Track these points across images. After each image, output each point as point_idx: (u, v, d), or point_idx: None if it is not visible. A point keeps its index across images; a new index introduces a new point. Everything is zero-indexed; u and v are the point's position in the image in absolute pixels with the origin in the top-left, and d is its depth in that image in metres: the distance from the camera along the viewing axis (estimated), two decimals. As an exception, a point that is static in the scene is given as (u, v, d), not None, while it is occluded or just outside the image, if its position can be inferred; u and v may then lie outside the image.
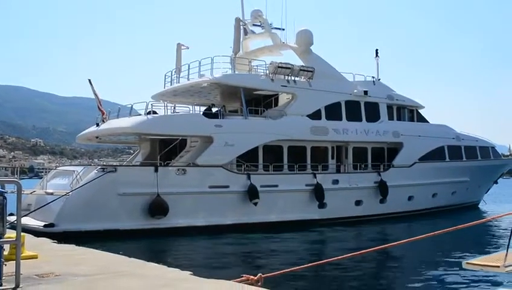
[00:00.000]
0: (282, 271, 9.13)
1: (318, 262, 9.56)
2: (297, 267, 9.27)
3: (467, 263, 6.80)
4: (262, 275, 8.58)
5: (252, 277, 8.57)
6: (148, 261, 13.02)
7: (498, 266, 6.47)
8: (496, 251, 8.11)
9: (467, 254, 17.70)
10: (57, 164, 49.83)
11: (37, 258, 10.77)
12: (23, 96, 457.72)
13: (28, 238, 14.37)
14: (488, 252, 9.18)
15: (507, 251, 6.78)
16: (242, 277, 8.69)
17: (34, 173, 27.24)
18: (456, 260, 16.53)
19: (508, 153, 45.21)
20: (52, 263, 10.27)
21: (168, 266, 10.58)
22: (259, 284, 8.48)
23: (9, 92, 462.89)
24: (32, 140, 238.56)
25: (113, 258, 11.31)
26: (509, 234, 7.51)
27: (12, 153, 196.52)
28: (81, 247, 13.13)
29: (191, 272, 9.22)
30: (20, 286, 7.80)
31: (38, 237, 16.46)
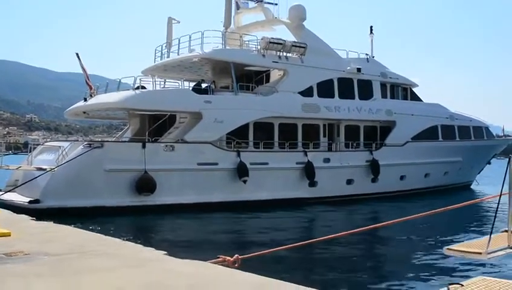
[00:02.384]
0: (260, 252, 8.76)
1: (299, 243, 9.19)
2: (277, 248, 8.90)
3: (448, 248, 6.44)
4: (240, 257, 8.20)
5: (228, 257, 8.19)
6: (129, 239, 12.65)
7: (480, 253, 6.11)
8: (480, 236, 7.78)
9: (454, 237, 17.45)
10: (50, 140, 49.27)
11: (9, 235, 10.31)
12: (17, 72, 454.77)
13: (6, 214, 13.99)
14: (477, 235, 8.87)
15: (490, 236, 6.42)
16: (218, 257, 8.31)
17: (28, 148, 26.92)
18: (441, 243, 16.21)
19: (502, 134, 44.82)
20: (25, 240, 9.83)
21: (146, 245, 10.16)
22: (236, 265, 8.10)
23: (3, 67, 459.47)
24: (27, 116, 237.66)
25: (89, 236, 10.89)
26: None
27: (6, 129, 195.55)
28: (59, 224, 12.71)
29: (166, 252, 8.82)
30: (-18, 265, 7.38)
31: (22, 213, 16.05)
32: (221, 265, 8.06)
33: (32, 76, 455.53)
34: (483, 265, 12.56)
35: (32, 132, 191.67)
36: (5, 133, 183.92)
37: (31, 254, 8.54)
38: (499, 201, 7.28)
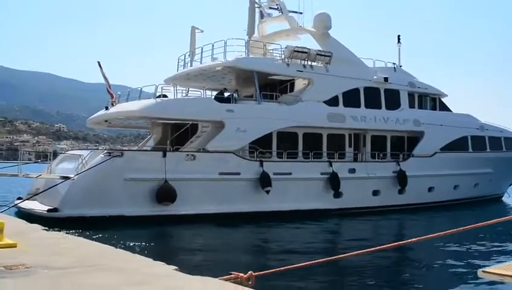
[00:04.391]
0: (276, 269, 8.13)
1: (318, 260, 8.54)
2: (293, 265, 8.28)
3: (483, 271, 5.74)
4: (254, 273, 7.57)
5: (241, 274, 7.58)
6: (144, 250, 12.08)
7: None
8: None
9: (487, 255, 16.52)
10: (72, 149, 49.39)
11: (15, 247, 9.88)
12: (47, 83, 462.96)
13: (19, 223, 13.62)
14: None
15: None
16: (231, 274, 7.70)
17: (50, 157, 26.83)
18: (474, 262, 15.21)
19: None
20: (30, 253, 9.37)
21: (158, 258, 9.60)
22: (250, 283, 7.48)
23: (34, 78, 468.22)
24: (55, 125, 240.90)
25: (99, 248, 10.41)
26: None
27: (36, 138, 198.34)
28: (70, 235, 12.29)
29: (176, 267, 8.24)
30: (-21, 279, 6.90)
31: (41, 222, 15.72)
32: (234, 282, 7.47)
33: (61, 87, 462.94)
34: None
35: (60, 141, 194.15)
36: (35, 142, 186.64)
37: (33, 267, 8.05)
38: None
